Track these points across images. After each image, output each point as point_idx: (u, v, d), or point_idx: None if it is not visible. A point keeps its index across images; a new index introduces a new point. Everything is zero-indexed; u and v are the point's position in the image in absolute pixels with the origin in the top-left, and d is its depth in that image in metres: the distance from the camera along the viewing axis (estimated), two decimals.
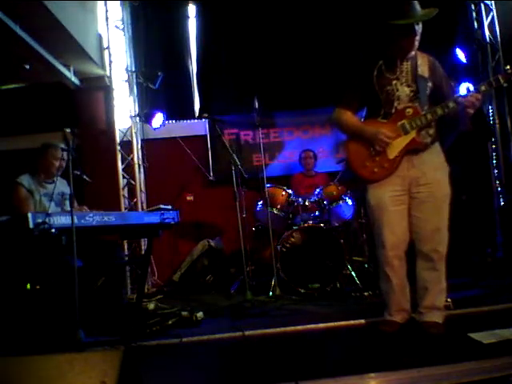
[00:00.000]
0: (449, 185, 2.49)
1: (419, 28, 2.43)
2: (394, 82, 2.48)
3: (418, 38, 2.44)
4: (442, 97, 2.47)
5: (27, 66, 4.25)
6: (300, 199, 4.36)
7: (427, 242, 2.48)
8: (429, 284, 2.49)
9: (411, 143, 2.45)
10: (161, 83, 5.21)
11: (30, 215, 2.42)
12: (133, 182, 5.41)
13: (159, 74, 5.16)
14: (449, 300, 2.74)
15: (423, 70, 2.48)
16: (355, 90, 2.60)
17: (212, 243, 5.10)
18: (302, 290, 3.92)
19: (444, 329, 2.42)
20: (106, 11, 5.25)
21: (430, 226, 2.47)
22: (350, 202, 4.31)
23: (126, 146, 5.39)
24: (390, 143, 2.45)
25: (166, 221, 3.02)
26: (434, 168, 2.48)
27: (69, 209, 2.70)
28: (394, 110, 2.48)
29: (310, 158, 5.08)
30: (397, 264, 2.55)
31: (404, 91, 2.48)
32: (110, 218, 2.75)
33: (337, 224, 4.34)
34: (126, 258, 4.82)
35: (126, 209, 5.26)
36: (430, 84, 2.48)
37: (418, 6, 2.42)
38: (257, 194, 4.42)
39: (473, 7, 5.49)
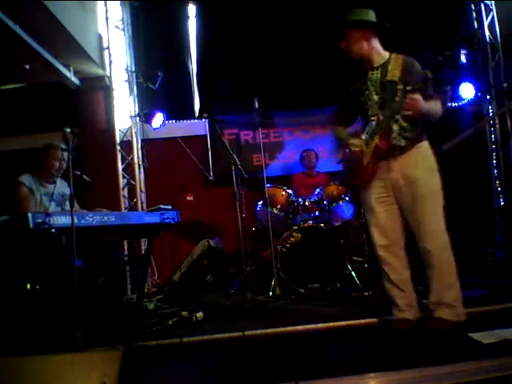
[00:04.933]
0: (435, 183, 2.51)
1: (361, 32, 2.57)
2: (366, 92, 2.62)
3: (349, 40, 2.60)
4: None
5: (27, 66, 4.25)
6: (300, 199, 4.36)
7: (418, 239, 2.52)
8: (429, 280, 2.50)
9: (375, 150, 2.58)
10: (161, 83, 5.21)
11: (30, 215, 2.42)
12: (133, 182, 5.41)
13: (159, 73, 5.17)
14: None
15: (393, 74, 2.53)
16: (340, 107, 2.87)
17: (212, 243, 5.10)
18: (302, 290, 3.91)
19: (450, 325, 2.40)
20: (106, 11, 5.25)
21: (416, 225, 2.52)
22: (349, 201, 4.31)
23: (126, 145, 5.39)
24: (358, 151, 2.65)
25: (166, 221, 3.01)
26: (413, 168, 2.51)
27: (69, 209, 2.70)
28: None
29: (312, 157, 5.09)
30: (393, 262, 2.59)
31: (374, 99, 2.59)
32: (109, 218, 2.74)
33: (337, 224, 4.33)
34: (126, 258, 4.82)
35: (125, 209, 5.26)
36: (400, 86, 2.47)
37: (361, 14, 2.61)
38: (257, 193, 4.42)
39: (473, 7, 5.50)
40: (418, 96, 2.37)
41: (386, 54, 2.63)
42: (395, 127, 2.53)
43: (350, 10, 2.62)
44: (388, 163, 2.57)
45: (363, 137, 2.64)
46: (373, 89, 2.59)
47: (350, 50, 2.62)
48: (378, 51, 2.63)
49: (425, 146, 2.58)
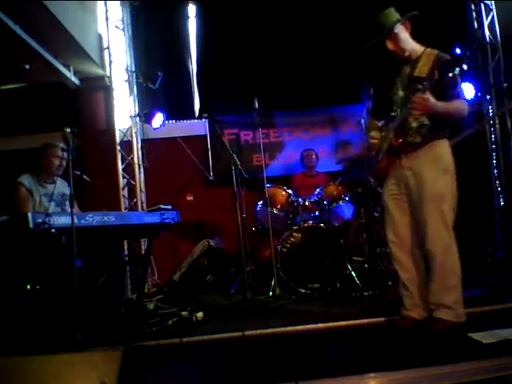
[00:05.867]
0: (443, 184, 2.47)
1: (397, 30, 2.54)
2: (394, 88, 2.62)
3: (398, 39, 2.56)
4: (443, 94, 2.46)
5: (27, 66, 4.25)
6: (300, 199, 4.36)
7: (423, 240, 2.51)
8: (430, 281, 2.50)
9: (390, 146, 2.60)
10: (161, 83, 5.21)
11: (30, 215, 2.42)
12: (133, 182, 5.41)
13: (159, 73, 5.17)
14: None
15: (421, 70, 2.47)
16: (373, 101, 2.93)
17: (212, 243, 5.10)
18: (302, 290, 3.91)
19: (449, 325, 2.40)
20: (106, 11, 5.25)
21: (421, 225, 2.51)
22: (349, 201, 4.31)
23: (126, 145, 5.39)
24: (375, 144, 2.70)
25: (166, 221, 3.01)
26: (423, 167, 2.50)
27: (69, 209, 2.70)
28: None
29: (312, 157, 5.09)
30: (404, 260, 2.61)
31: (399, 96, 2.59)
32: (109, 218, 2.74)
33: (337, 224, 4.33)
34: (126, 258, 4.82)
35: (125, 209, 5.26)
36: (426, 83, 2.42)
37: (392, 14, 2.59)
38: (257, 193, 4.42)
39: (473, 7, 5.50)
40: (425, 96, 2.35)
41: (421, 49, 2.59)
42: (414, 124, 2.51)
43: (381, 12, 2.59)
44: (401, 160, 2.57)
45: (383, 132, 2.65)
46: (400, 85, 2.59)
47: (400, 48, 2.57)
48: (413, 46, 2.61)
49: (441, 144, 2.52)
